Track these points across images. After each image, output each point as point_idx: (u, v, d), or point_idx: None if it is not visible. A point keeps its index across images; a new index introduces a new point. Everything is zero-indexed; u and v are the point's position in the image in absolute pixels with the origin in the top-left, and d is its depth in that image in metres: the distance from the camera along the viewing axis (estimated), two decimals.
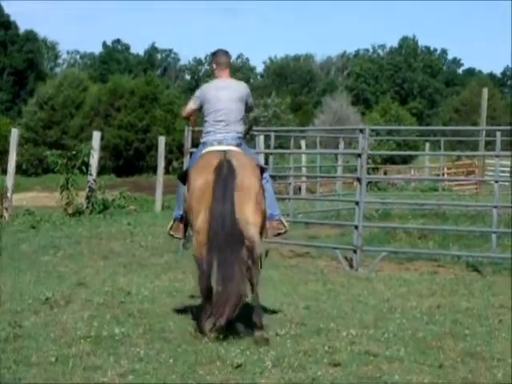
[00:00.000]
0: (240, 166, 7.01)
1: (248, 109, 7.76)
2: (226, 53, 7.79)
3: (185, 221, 7.52)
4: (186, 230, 7.71)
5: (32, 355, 6.24)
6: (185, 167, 7.91)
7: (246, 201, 6.92)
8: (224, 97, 7.42)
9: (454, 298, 9.01)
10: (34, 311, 7.83)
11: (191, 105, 7.67)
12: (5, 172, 19.53)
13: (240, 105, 7.53)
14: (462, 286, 9.79)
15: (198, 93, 7.66)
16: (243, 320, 6.97)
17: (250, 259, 6.86)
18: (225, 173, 6.91)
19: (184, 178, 7.41)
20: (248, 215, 6.92)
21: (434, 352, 6.53)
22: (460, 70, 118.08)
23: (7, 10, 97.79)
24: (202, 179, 6.98)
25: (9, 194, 18.15)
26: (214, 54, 7.82)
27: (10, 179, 18.44)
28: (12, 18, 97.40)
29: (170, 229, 7.78)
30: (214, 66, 7.73)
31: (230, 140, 7.36)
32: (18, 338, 6.76)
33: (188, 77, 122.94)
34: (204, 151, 7.36)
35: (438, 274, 10.97)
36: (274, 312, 7.95)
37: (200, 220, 6.93)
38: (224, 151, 7.17)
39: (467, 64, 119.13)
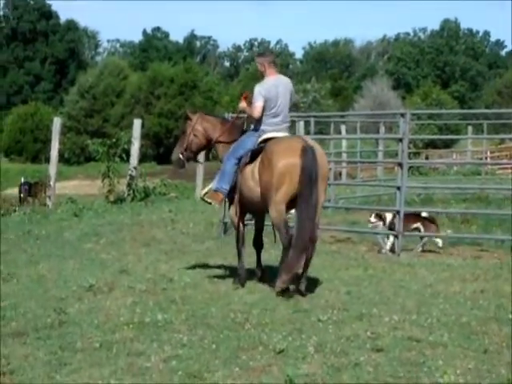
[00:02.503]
0: (319, 153, 8.16)
1: (291, 103, 8.79)
2: (271, 52, 9.28)
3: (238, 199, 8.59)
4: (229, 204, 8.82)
5: (77, 341, 6.33)
6: (233, 148, 8.77)
7: (322, 184, 8.18)
8: (280, 93, 8.56)
9: (498, 283, 8.90)
10: (78, 298, 7.94)
11: (260, 103, 8.49)
12: (48, 161, 19.75)
13: (289, 98, 8.69)
14: (506, 271, 9.66)
15: (262, 92, 8.50)
16: None
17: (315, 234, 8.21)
18: (310, 157, 7.98)
19: (253, 156, 8.42)
20: (321, 195, 8.16)
21: (479, 337, 6.48)
22: (503, 52, 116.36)
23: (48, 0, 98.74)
24: (286, 160, 8.01)
25: (52, 183, 18.36)
26: (262, 55, 8.94)
27: (52, 168, 18.65)
28: (53, 8, 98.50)
29: (205, 195, 8.92)
30: (265, 65, 8.67)
31: (285, 130, 8.63)
32: (62, 324, 6.87)
33: (227, 63, 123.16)
34: (266, 136, 8.46)
35: (481, 258, 10.86)
36: (315, 297, 7.95)
37: (281, 194, 8.03)
38: (304, 138, 8.50)
39: (511, 46, 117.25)
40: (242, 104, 8.87)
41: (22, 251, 11.14)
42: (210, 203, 8.96)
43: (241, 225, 8.82)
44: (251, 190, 8.41)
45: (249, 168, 8.45)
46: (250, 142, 8.57)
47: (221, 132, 9.00)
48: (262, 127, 8.55)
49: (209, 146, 9.22)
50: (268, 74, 8.64)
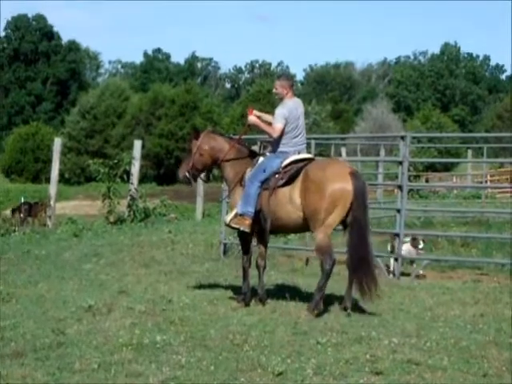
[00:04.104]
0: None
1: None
2: (291, 76, 9.09)
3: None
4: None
5: (75, 362, 6.30)
6: (255, 171, 8.80)
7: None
8: (299, 114, 8.82)
9: (498, 307, 8.89)
10: (76, 319, 7.91)
11: (281, 125, 8.67)
12: (48, 181, 19.77)
13: (304, 119, 8.95)
14: (506, 295, 9.65)
15: (286, 113, 8.69)
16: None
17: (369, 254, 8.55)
18: (360, 181, 8.31)
19: (292, 178, 8.48)
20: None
21: (478, 361, 6.45)
22: (503, 76, 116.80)
23: (50, 20, 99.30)
24: (337, 185, 8.22)
25: (52, 203, 18.37)
26: (284, 78, 9.01)
27: (53, 188, 18.67)
28: (55, 29, 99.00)
29: (231, 221, 8.79)
30: (286, 88, 8.82)
31: (305, 150, 8.86)
32: (61, 345, 6.83)
33: (228, 85, 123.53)
34: (292, 158, 8.61)
35: (481, 282, 10.84)
36: (314, 320, 7.93)
37: (332, 218, 8.23)
38: (344, 162, 9.13)
39: (510, 70, 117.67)
40: (254, 119, 8.92)
41: (22, 271, 11.12)
42: (237, 229, 8.88)
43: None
44: (287, 212, 8.47)
45: (284, 191, 8.50)
46: (273, 164, 8.64)
47: (227, 151, 9.01)
48: (283, 149, 8.67)
49: (214, 164, 9.22)
50: (287, 96, 8.81)
